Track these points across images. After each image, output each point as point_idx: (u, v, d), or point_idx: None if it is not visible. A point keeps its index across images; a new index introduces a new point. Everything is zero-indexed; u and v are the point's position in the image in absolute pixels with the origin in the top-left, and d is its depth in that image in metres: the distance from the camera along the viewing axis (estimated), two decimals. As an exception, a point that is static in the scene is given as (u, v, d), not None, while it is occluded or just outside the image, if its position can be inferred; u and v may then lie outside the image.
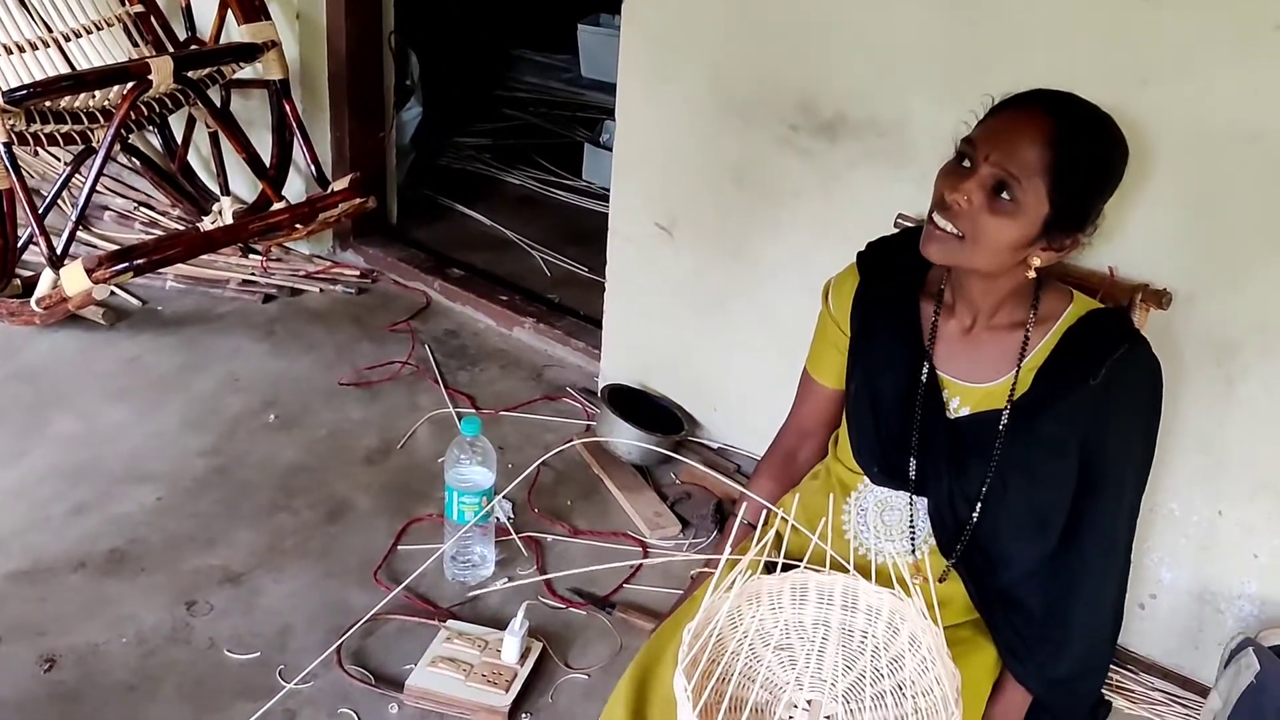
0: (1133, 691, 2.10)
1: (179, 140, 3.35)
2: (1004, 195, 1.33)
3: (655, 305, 2.73)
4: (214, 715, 1.92)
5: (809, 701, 1.42)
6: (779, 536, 1.65)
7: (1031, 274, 1.42)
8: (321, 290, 3.34)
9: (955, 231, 1.36)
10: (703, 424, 2.76)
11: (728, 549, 1.36)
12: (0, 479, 2.43)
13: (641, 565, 2.33)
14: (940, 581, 1.58)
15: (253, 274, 3.35)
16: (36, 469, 2.48)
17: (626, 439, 2.57)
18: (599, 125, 4.42)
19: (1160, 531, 2.06)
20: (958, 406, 1.52)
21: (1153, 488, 1.99)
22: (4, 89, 2.45)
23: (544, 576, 2.27)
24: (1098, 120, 1.38)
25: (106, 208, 3.57)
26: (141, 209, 3.60)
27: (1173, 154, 1.83)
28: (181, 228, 3.46)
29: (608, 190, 2.78)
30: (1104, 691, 1.65)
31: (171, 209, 3.55)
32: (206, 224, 3.20)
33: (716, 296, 2.59)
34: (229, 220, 3.08)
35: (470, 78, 4.72)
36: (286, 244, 3.37)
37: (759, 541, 1.43)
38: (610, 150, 2.72)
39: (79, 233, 3.25)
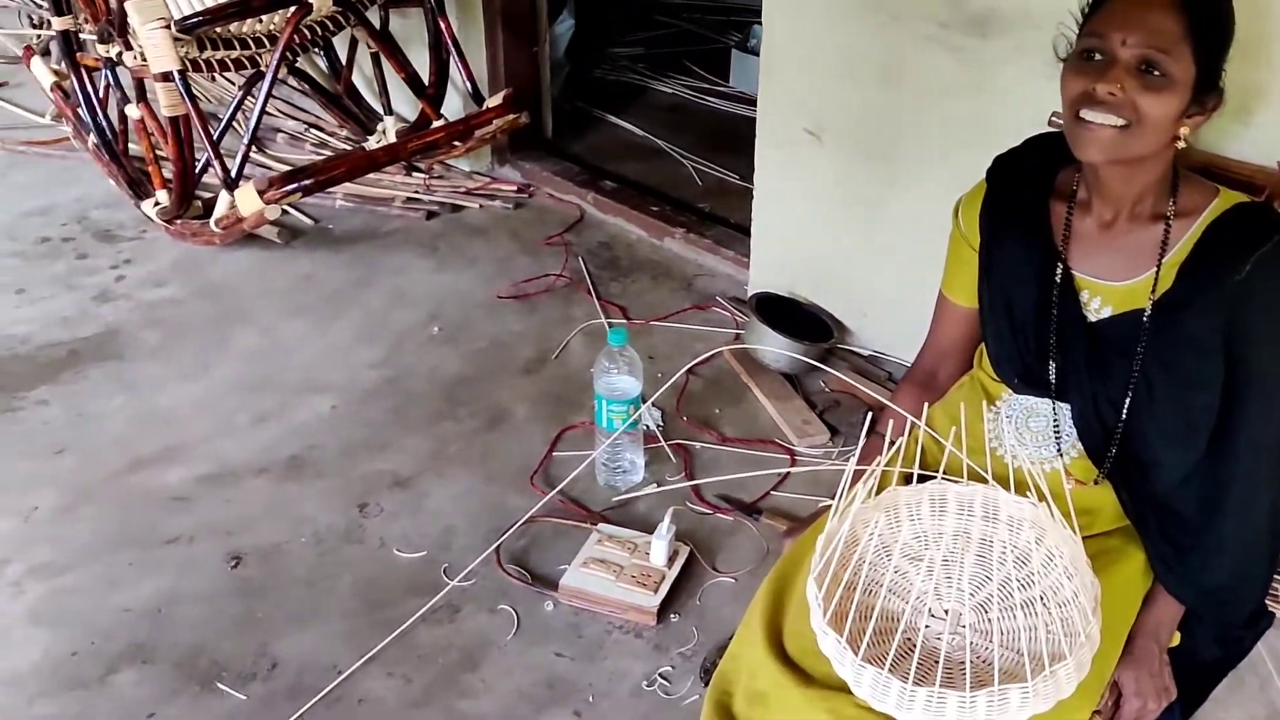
0: (1300, 604, 2.02)
1: (343, 62, 3.45)
2: (1155, 72, 1.31)
3: (804, 212, 2.70)
4: (385, 610, 2.05)
5: (945, 611, 1.43)
6: (920, 447, 1.64)
7: (1181, 144, 1.38)
8: (481, 206, 3.43)
9: (1117, 123, 1.32)
10: (853, 331, 2.74)
11: (853, 460, 1.37)
12: (189, 391, 2.62)
13: (789, 473, 2.36)
14: (1095, 484, 1.55)
15: (416, 192, 3.47)
16: (222, 381, 2.66)
17: (774, 347, 2.58)
18: (749, 30, 4.33)
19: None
20: (1099, 307, 1.47)
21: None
22: (176, 18, 2.58)
23: (692, 482, 2.33)
24: None
25: (279, 130, 3.73)
26: (311, 130, 3.74)
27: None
28: (349, 147, 3.59)
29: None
30: (1267, 602, 1.59)
31: (339, 129, 3.68)
32: (371, 143, 3.32)
33: (865, 201, 2.55)
34: (393, 139, 3.18)
35: (623, -15, 4.69)
36: (447, 161, 3.46)
37: (890, 451, 1.42)
38: (758, 55, 2.68)
39: (254, 155, 3.41)
